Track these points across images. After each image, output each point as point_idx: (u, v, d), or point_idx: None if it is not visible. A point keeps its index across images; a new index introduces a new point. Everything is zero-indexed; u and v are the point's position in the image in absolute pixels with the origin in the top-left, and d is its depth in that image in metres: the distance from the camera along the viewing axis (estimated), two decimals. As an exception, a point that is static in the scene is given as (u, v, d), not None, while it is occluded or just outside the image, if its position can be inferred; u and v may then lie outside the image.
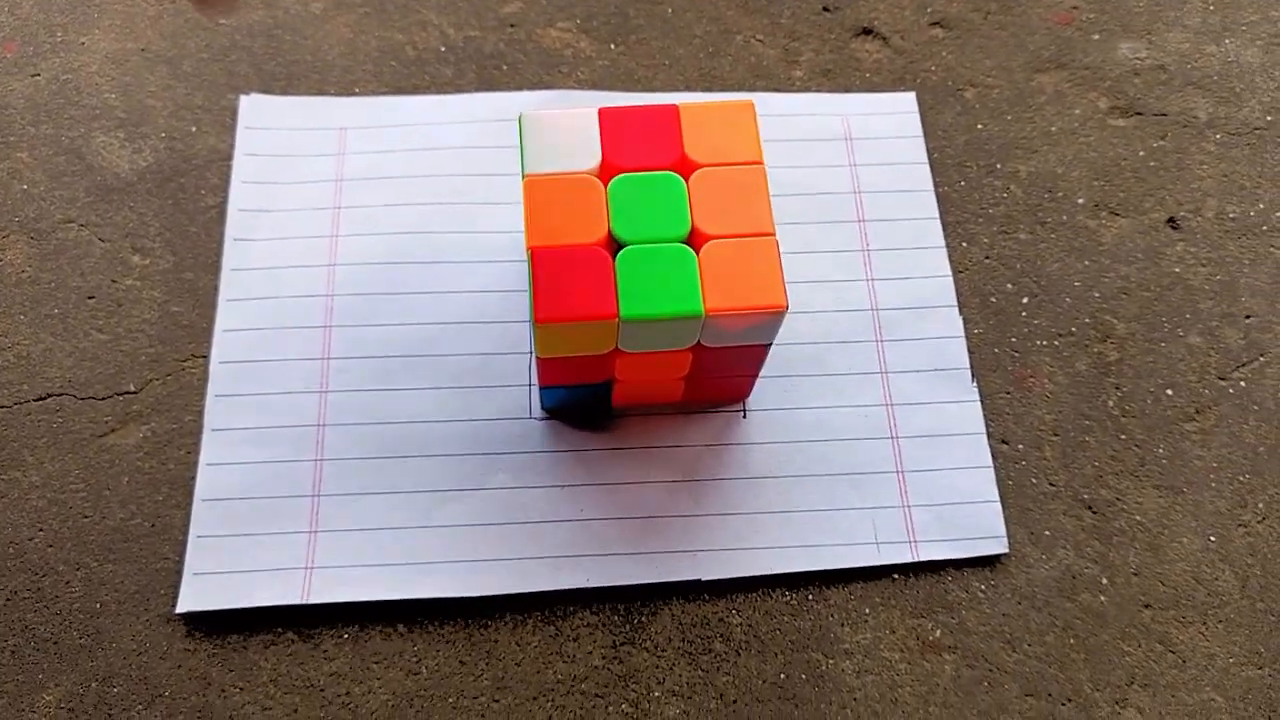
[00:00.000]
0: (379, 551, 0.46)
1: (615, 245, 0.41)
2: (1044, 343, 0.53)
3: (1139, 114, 0.59)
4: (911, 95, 0.58)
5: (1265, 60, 0.61)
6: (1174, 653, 0.47)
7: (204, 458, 0.48)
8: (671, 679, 0.45)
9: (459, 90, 0.57)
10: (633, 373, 0.45)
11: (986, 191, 0.56)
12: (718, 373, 0.46)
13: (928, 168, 0.56)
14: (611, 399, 0.48)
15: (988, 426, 0.51)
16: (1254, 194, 0.57)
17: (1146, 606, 0.48)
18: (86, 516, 0.47)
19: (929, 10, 0.61)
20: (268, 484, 0.47)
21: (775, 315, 0.40)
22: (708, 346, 0.42)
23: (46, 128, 0.54)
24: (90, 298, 0.51)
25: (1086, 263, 0.55)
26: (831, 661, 0.46)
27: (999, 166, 0.57)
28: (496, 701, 0.45)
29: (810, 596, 0.47)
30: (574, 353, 0.42)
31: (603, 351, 0.42)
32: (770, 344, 0.44)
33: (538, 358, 0.43)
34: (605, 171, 0.42)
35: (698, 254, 0.40)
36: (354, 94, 0.56)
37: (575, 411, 0.49)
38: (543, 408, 0.49)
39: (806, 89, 0.58)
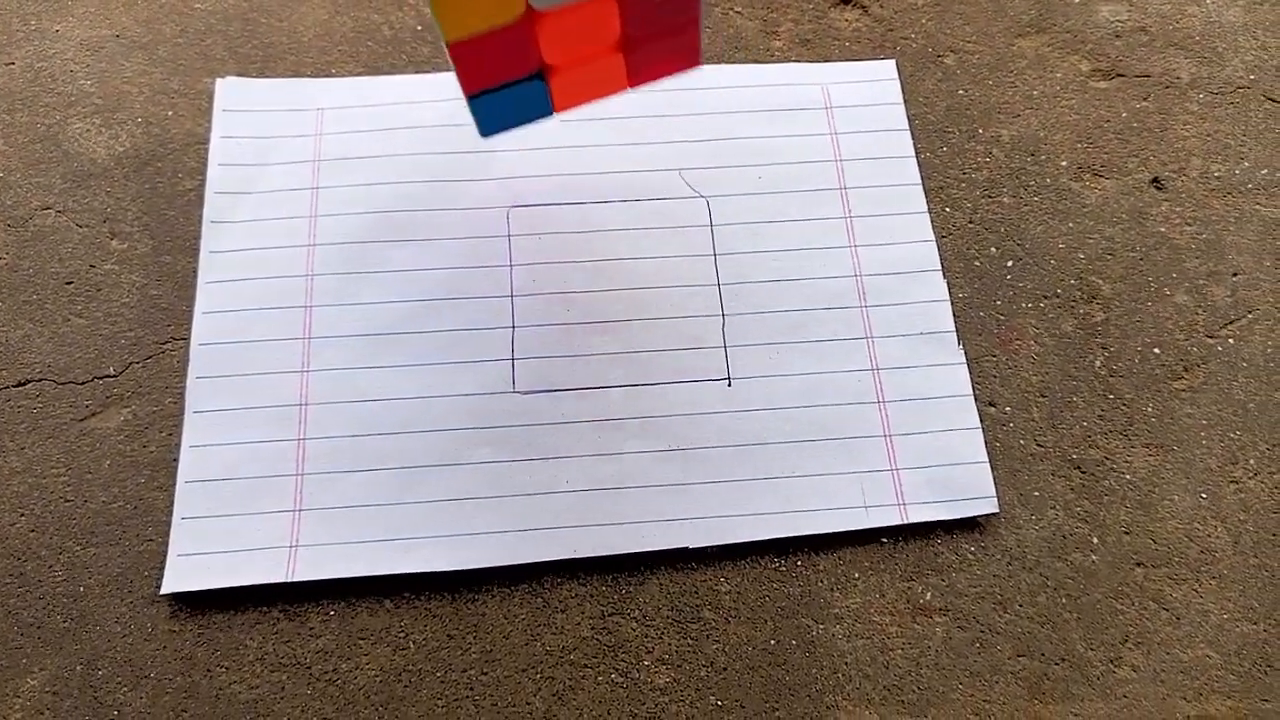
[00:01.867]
0: (363, 528, 0.46)
1: None
2: (1029, 305, 0.52)
3: (1121, 76, 0.59)
4: (891, 63, 0.58)
5: (1247, 20, 0.60)
6: (1167, 610, 0.47)
7: (187, 440, 0.48)
8: (661, 648, 0.45)
9: (436, 69, 0.57)
10: (560, 48, 0.41)
11: (969, 156, 0.56)
12: (652, 28, 0.42)
13: (909, 134, 0.56)
14: (552, 103, 0.44)
15: (974, 389, 0.50)
16: (1238, 152, 0.57)
17: (1139, 565, 0.47)
18: (68, 500, 0.47)
19: (907, -22, 0.61)
20: (251, 464, 0.47)
21: None
22: None
23: (21, 115, 0.54)
24: (69, 283, 0.51)
25: (1070, 225, 0.54)
26: (822, 627, 0.46)
27: (981, 131, 0.57)
28: (485, 674, 0.44)
29: (799, 562, 0.47)
30: (483, 25, 0.37)
31: (513, 18, 0.37)
32: None
33: (450, 50, 0.38)
34: None
35: None
36: (331, 75, 0.56)
37: (517, 122, 0.45)
38: (481, 134, 0.44)
39: (786, 59, 0.58)
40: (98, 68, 0.56)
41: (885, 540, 0.47)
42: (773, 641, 0.45)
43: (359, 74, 0.56)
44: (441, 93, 0.56)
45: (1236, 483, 0.49)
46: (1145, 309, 0.52)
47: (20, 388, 0.49)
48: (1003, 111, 0.57)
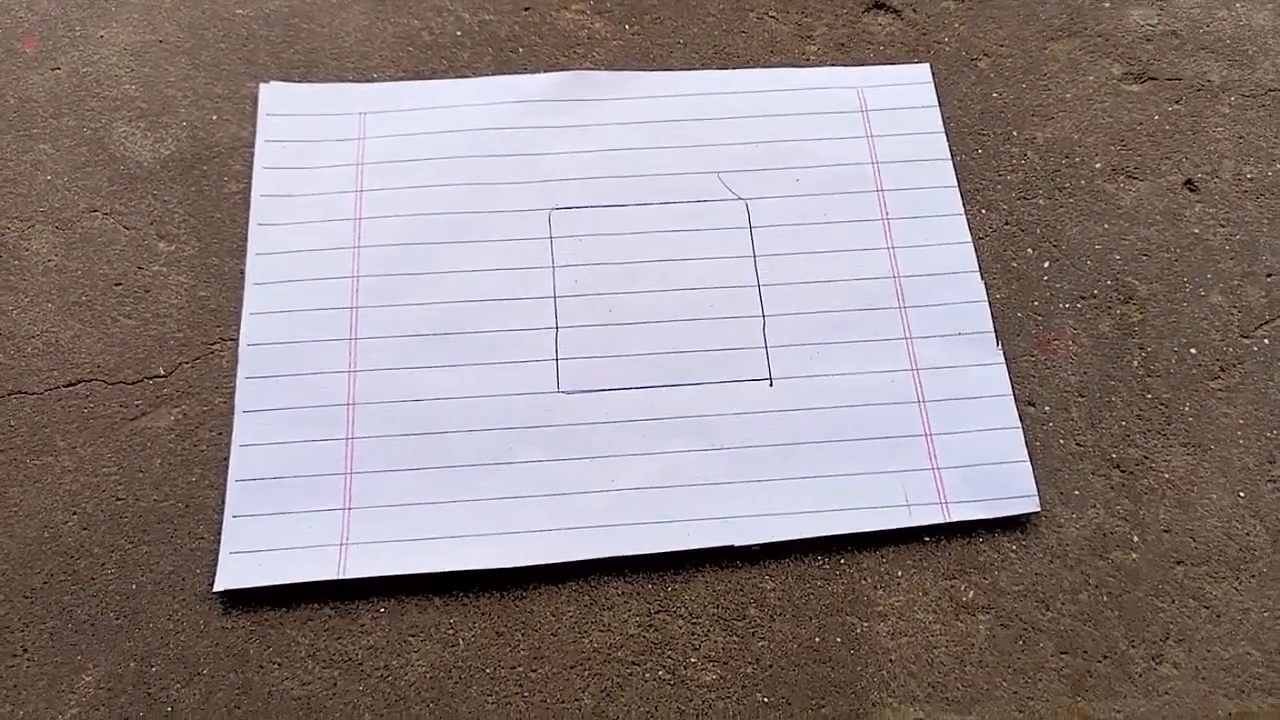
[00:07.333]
0: (412, 526, 0.47)
1: None
2: (1066, 306, 0.53)
3: (1153, 79, 0.59)
4: (926, 66, 0.59)
5: (1277, 23, 0.61)
6: (1208, 608, 0.47)
7: (237, 439, 0.48)
8: (707, 645, 0.46)
9: (476, 73, 0.57)
10: None
11: (1004, 159, 0.57)
12: None
13: (944, 137, 0.57)
14: None
15: (1014, 389, 0.51)
16: (1270, 154, 0.57)
17: (1178, 563, 0.48)
18: (120, 499, 0.47)
19: (940, -17, 0.62)
20: (301, 463, 0.48)
21: None
22: None
23: (68, 120, 0.55)
24: (117, 284, 0.51)
25: (1106, 226, 0.55)
26: (866, 624, 0.46)
27: (1015, 134, 0.57)
28: (534, 671, 0.45)
29: (842, 561, 0.47)
30: None
31: None
32: None
33: None
34: None
35: None
36: (372, 79, 0.57)
37: None
38: None
39: (821, 63, 0.59)
40: (142, 72, 0.56)
41: (927, 539, 0.48)
42: (817, 639, 0.46)
43: (400, 78, 0.57)
44: (483, 96, 0.56)
45: (1274, 481, 0.49)
46: (1181, 309, 0.53)
47: (71, 387, 0.49)
48: (1036, 114, 0.58)
